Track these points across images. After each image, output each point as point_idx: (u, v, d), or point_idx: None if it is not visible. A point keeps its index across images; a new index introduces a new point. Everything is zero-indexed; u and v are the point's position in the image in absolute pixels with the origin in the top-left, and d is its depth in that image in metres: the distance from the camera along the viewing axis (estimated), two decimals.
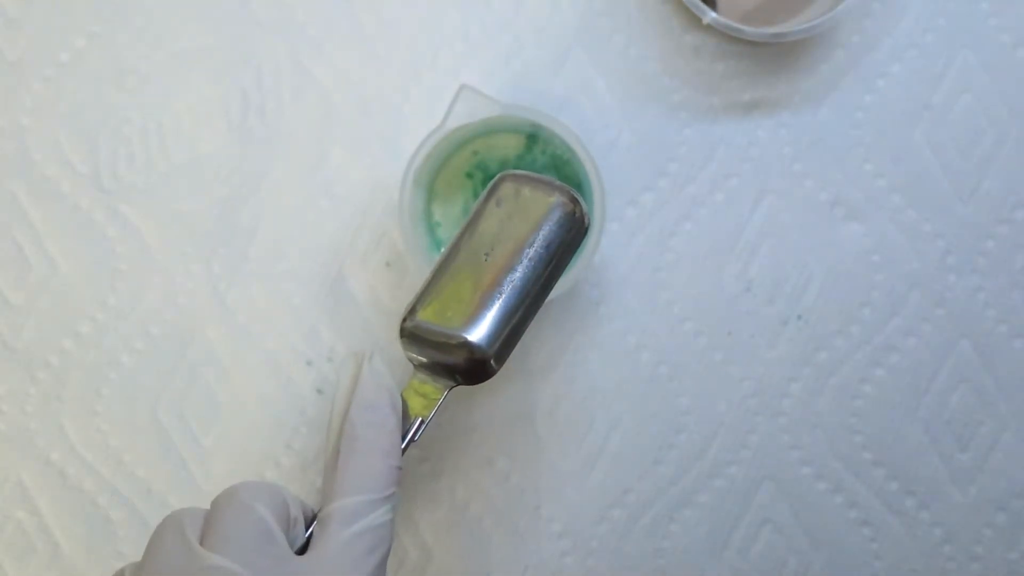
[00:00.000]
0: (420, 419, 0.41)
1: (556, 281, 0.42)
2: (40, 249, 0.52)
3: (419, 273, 0.46)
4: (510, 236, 0.41)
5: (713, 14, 0.47)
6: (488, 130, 0.48)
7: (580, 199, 0.42)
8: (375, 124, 0.51)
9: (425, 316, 0.41)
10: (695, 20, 0.48)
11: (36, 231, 0.52)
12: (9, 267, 0.52)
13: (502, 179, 0.43)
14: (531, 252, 0.41)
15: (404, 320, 0.41)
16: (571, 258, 0.42)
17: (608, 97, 0.51)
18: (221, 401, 0.51)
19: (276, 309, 0.51)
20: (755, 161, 0.50)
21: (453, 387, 0.41)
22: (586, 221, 0.42)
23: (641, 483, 0.50)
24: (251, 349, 0.51)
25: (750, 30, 0.47)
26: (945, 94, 0.50)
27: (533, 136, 0.48)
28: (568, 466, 0.50)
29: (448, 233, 0.49)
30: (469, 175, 0.49)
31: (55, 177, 0.52)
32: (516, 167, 0.48)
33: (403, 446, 0.40)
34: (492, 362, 0.40)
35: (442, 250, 0.43)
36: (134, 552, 0.51)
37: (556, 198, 0.41)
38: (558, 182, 0.42)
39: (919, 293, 0.50)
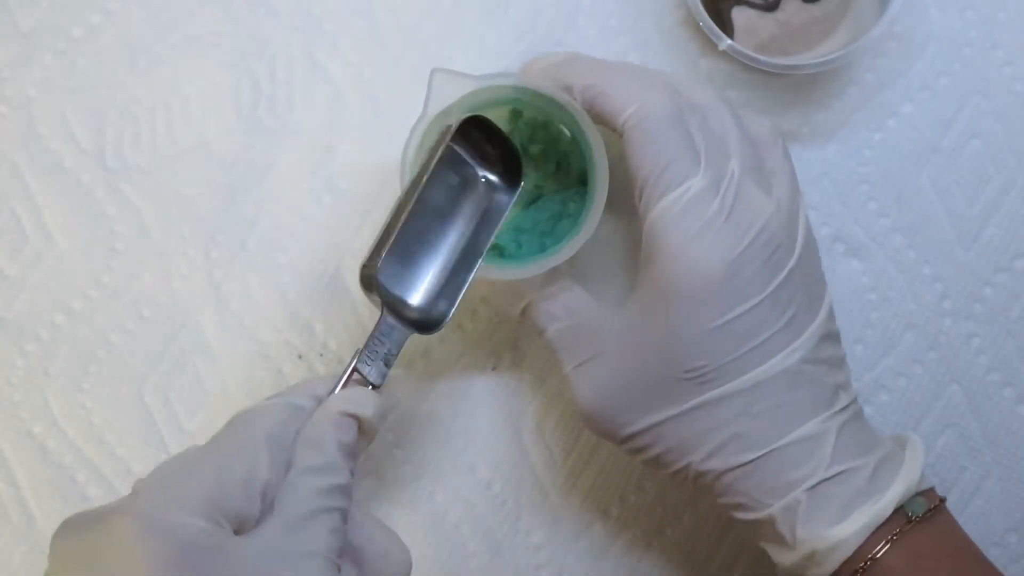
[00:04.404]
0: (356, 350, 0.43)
1: (490, 239, 0.44)
2: (38, 222, 0.51)
3: None
4: (449, 202, 0.45)
5: (729, 41, 0.47)
6: (471, 108, 0.45)
7: (501, 171, 0.45)
8: (383, 123, 0.51)
9: (380, 273, 0.43)
10: (711, 46, 0.48)
11: (35, 204, 0.51)
12: (5, 238, 0.51)
13: (448, 148, 0.44)
14: (463, 215, 0.45)
15: (363, 267, 0.43)
16: (500, 219, 0.45)
17: None
18: (208, 388, 0.51)
19: (271, 301, 0.51)
20: None
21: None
22: (511, 184, 0.45)
23: (623, 502, 0.50)
24: (242, 339, 0.51)
25: (765, 60, 0.47)
26: (954, 138, 0.50)
27: (516, 109, 0.47)
28: (551, 480, 0.50)
29: None
30: None
31: (58, 151, 0.52)
32: None
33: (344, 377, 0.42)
34: (439, 319, 0.44)
35: (399, 195, 0.44)
36: None
37: (477, 170, 0.45)
38: (492, 151, 0.45)
39: (913, 335, 0.50)
